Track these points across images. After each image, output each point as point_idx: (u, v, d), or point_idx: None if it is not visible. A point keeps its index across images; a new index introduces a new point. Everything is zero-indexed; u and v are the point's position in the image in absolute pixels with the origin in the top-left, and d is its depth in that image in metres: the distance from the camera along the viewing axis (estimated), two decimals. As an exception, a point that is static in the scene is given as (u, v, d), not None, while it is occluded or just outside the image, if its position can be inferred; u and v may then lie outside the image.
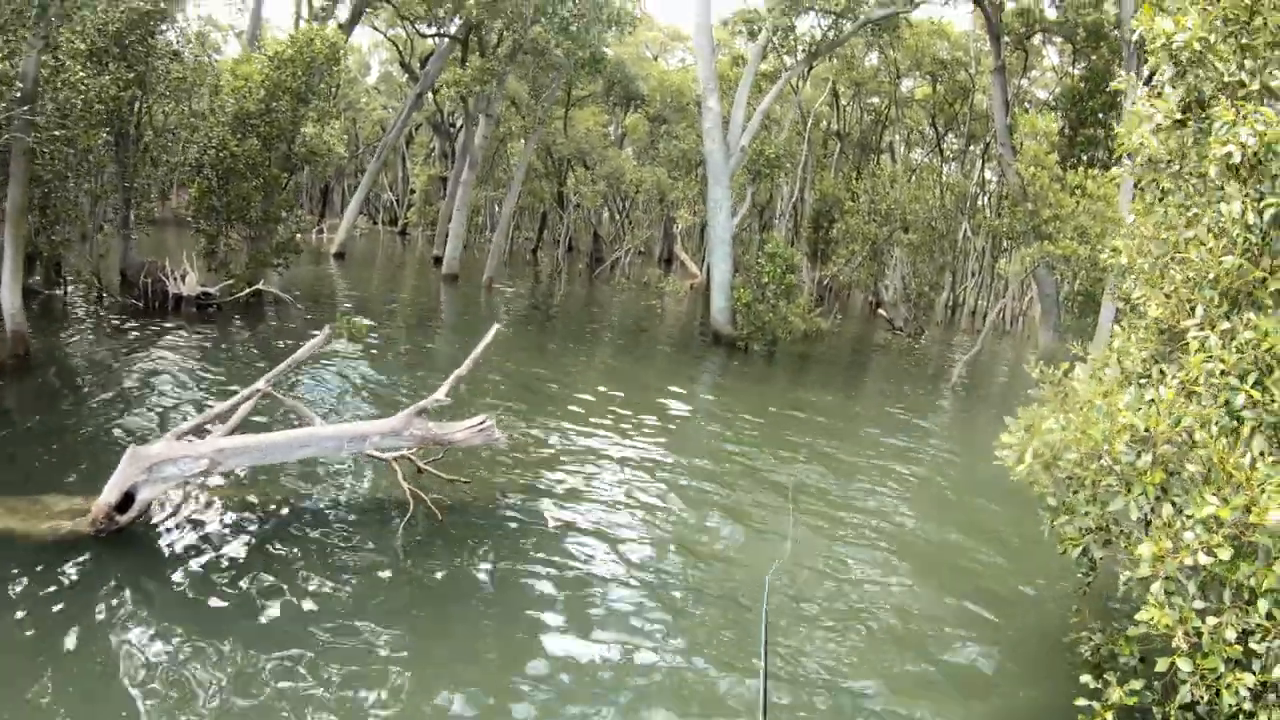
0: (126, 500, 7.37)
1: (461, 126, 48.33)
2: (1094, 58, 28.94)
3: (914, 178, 38.32)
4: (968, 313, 49.05)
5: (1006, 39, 30.33)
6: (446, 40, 35.34)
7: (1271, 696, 4.14)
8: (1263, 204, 4.68)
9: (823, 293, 44.38)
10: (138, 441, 9.40)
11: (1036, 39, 34.45)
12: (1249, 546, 4.41)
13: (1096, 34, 28.21)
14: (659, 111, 45.69)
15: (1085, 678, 5.03)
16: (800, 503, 10.48)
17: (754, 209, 41.53)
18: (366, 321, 17.94)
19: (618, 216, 52.61)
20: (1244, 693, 4.09)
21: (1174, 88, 5.46)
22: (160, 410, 10.91)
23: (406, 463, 8.80)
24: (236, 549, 7.38)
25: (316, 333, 8.67)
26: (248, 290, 19.36)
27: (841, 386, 20.80)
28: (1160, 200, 5.79)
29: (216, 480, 8.42)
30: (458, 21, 33.05)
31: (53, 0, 10.76)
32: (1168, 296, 5.61)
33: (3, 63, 13.08)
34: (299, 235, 21.78)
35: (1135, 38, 24.36)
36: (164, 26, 18.24)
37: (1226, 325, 5.01)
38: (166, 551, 7.25)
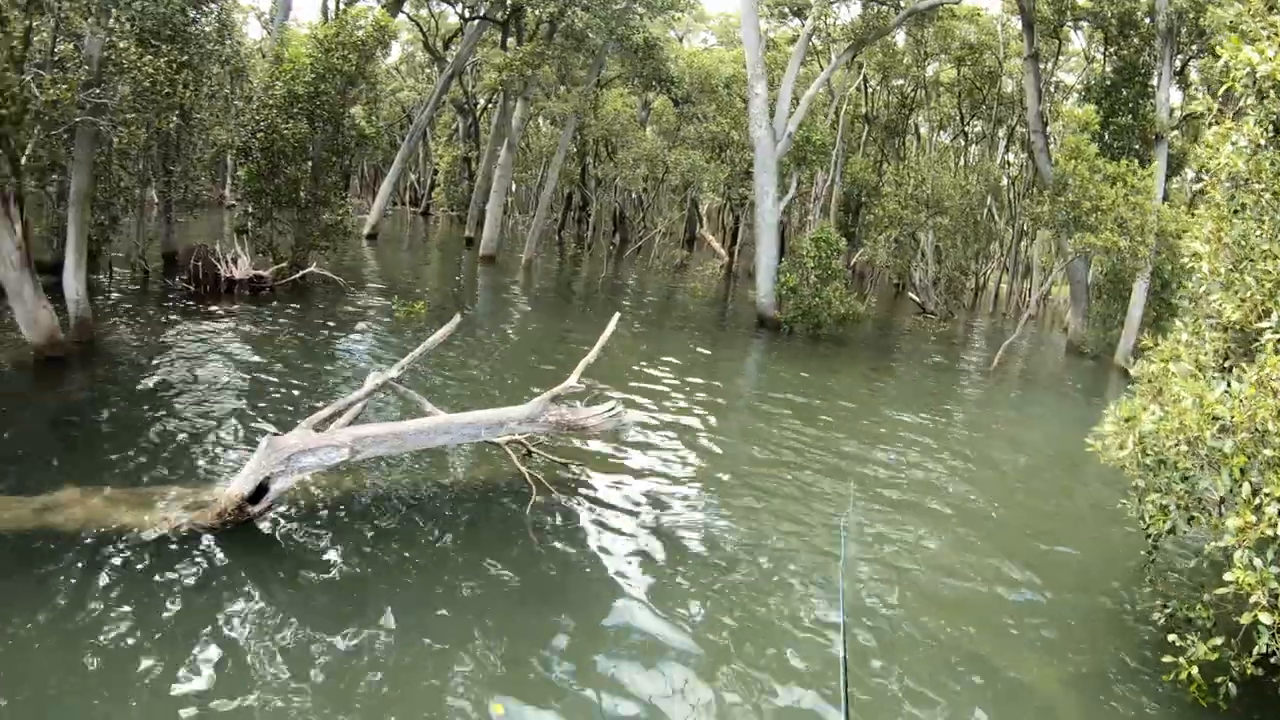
0: (258, 491, 7.35)
1: (485, 107, 48.79)
2: (1124, 46, 29.19)
3: (943, 161, 38.63)
4: (991, 296, 49.46)
5: (1039, 26, 30.62)
6: (476, 23, 35.75)
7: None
8: (1339, 223, 5.32)
9: (851, 276, 44.83)
10: (225, 430, 9.55)
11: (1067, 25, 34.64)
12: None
13: (1128, 22, 28.47)
14: (686, 93, 45.94)
15: (1171, 637, 5.74)
16: (869, 480, 11.17)
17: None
18: (418, 304, 18.48)
19: (646, 198, 53.05)
20: (1318, 644, 4.81)
21: (1252, 112, 6.07)
22: (242, 398, 10.84)
23: (517, 446, 9.02)
24: (358, 540, 7.43)
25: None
26: (299, 273, 19.93)
27: (890, 371, 21.27)
28: (1237, 213, 6.40)
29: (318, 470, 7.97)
30: (488, 4, 33.49)
31: None
32: (1243, 300, 6.24)
33: (66, 45, 13.22)
34: (347, 218, 22.26)
35: (1164, 28, 24.50)
36: (209, 7, 18.60)
37: (1301, 328, 5.66)
38: (291, 545, 7.28)
